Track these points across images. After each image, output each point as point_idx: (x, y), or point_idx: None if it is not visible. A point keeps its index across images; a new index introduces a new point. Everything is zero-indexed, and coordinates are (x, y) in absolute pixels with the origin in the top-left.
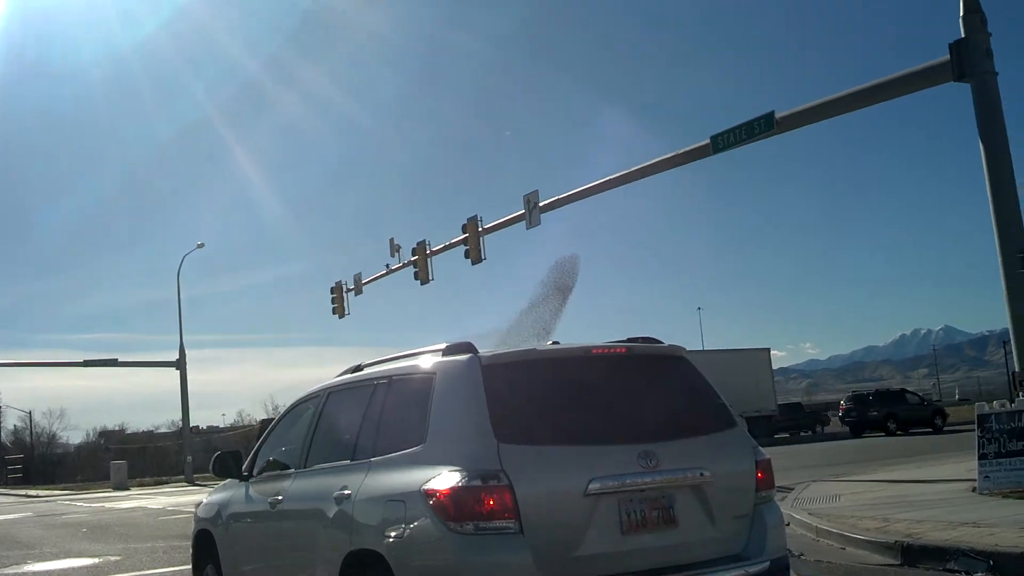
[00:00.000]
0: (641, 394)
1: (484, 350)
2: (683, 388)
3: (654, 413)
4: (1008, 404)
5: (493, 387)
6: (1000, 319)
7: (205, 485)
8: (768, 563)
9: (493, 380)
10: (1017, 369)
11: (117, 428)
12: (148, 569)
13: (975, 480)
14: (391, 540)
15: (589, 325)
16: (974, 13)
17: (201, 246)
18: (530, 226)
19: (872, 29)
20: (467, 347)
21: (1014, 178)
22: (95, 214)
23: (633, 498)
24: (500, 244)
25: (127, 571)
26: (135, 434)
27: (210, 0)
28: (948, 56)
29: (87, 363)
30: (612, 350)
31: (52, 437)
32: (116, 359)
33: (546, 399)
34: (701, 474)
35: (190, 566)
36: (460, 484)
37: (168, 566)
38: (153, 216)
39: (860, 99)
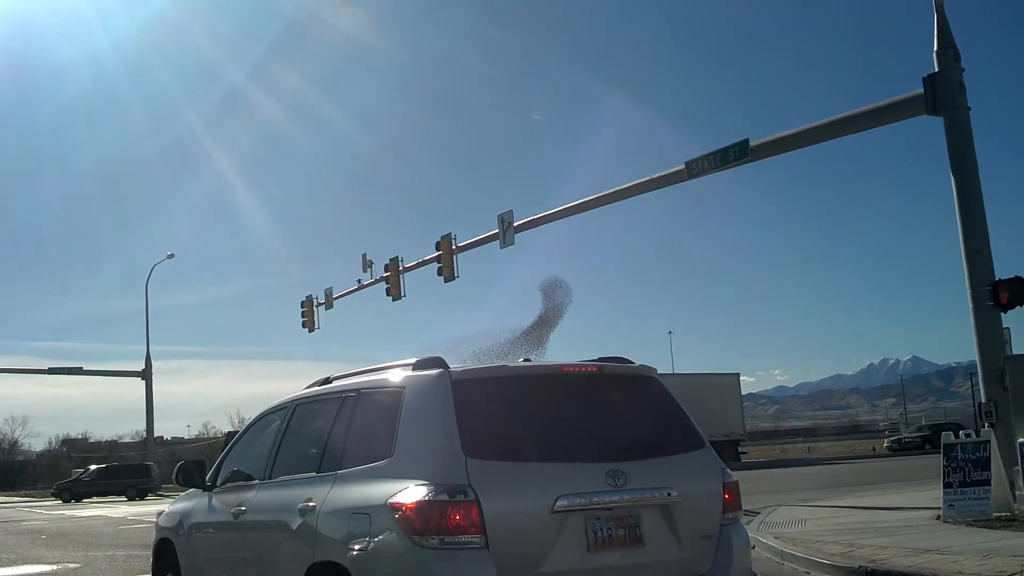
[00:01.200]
0: (611, 413)
1: (455, 365)
2: (653, 408)
3: (623, 432)
4: (973, 434)
5: (463, 402)
6: (967, 351)
7: (168, 495)
8: None
9: (463, 395)
10: (984, 400)
11: (80, 436)
12: None
13: (940, 508)
14: (355, 553)
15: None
16: (948, 48)
17: (171, 256)
18: (504, 245)
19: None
20: (437, 362)
21: (984, 212)
22: (63, 219)
23: (600, 516)
24: (474, 262)
25: None
26: (98, 443)
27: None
28: (922, 89)
29: (52, 371)
30: (583, 369)
31: (14, 444)
32: (81, 367)
33: (516, 416)
34: (668, 494)
35: (149, 575)
36: (426, 498)
37: (127, 575)
38: (123, 224)
39: (833, 129)
